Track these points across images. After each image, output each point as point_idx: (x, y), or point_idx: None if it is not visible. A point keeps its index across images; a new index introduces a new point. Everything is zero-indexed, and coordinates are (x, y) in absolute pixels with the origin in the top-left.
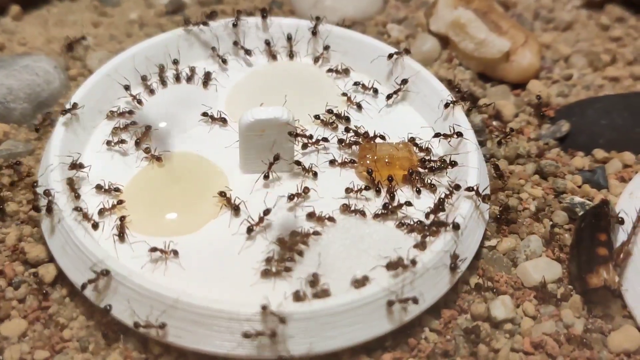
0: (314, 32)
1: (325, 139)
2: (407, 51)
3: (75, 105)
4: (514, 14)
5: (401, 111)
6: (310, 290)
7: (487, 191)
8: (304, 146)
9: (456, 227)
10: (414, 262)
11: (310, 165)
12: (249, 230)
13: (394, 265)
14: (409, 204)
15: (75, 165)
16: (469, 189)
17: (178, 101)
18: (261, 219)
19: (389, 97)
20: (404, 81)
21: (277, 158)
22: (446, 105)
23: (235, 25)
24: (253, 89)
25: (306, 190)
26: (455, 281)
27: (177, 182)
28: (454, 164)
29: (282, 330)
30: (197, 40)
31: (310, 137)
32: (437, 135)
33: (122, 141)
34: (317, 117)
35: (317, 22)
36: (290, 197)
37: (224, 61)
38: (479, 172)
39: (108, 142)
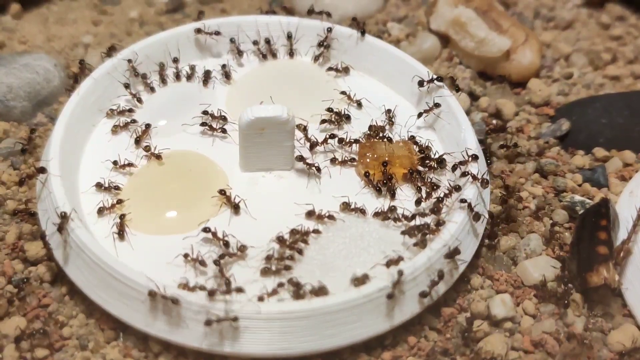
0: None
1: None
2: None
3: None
4: (514, 12)
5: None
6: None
7: (486, 176)
8: (313, 145)
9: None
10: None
11: (312, 157)
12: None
13: (394, 263)
14: (458, 188)
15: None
16: (472, 156)
17: (178, 99)
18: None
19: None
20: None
21: None
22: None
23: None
24: (253, 87)
25: (242, 248)
26: (455, 279)
27: (177, 181)
28: (442, 161)
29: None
30: (198, 39)
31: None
32: (419, 114)
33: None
34: (328, 109)
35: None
36: (221, 256)
37: (240, 53)
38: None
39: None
